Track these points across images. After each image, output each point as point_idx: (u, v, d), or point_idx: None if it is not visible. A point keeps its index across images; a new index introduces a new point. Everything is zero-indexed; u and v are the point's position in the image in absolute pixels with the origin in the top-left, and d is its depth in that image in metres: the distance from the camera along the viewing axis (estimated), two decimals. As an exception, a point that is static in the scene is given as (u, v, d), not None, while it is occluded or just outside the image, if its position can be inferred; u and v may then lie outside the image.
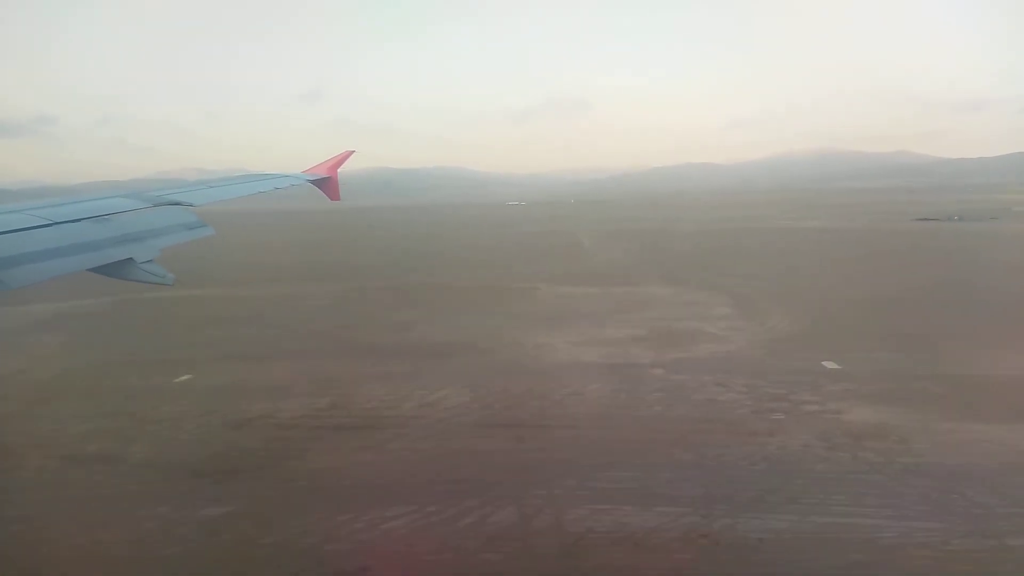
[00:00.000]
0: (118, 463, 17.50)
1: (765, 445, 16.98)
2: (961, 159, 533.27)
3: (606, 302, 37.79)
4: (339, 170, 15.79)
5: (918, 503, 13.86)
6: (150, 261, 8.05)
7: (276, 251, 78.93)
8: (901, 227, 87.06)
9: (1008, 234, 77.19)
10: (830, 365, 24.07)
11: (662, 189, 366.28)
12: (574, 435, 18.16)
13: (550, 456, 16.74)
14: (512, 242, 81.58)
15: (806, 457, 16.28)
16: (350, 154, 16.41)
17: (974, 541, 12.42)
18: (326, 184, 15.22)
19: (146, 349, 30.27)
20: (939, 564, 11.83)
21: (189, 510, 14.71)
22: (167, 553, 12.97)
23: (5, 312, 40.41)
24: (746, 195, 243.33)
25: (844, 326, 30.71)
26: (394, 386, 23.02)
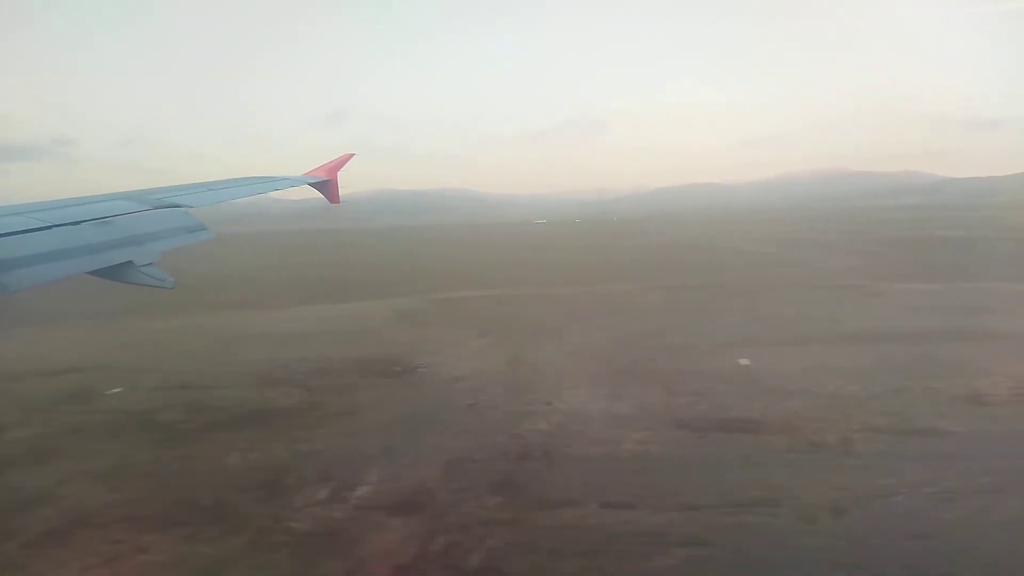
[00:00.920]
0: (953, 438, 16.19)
1: None
2: (971, 178, 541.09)
3: (986, 298, 36.46)
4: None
5: None
6: (150, 264, 8.03)
7: (496, 260, 76.51)
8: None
9: None
10: None
11: (680, 209, 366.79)
12: None
13: None
14: (687, 253, 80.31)
15: None
16: (350, 157, 16.28)
17: None
18: (326, 187, 15.11)
19: (604, 339, 28.99)
20: None
21: None
22: None
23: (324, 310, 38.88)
24: (778, 213, 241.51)
25: None
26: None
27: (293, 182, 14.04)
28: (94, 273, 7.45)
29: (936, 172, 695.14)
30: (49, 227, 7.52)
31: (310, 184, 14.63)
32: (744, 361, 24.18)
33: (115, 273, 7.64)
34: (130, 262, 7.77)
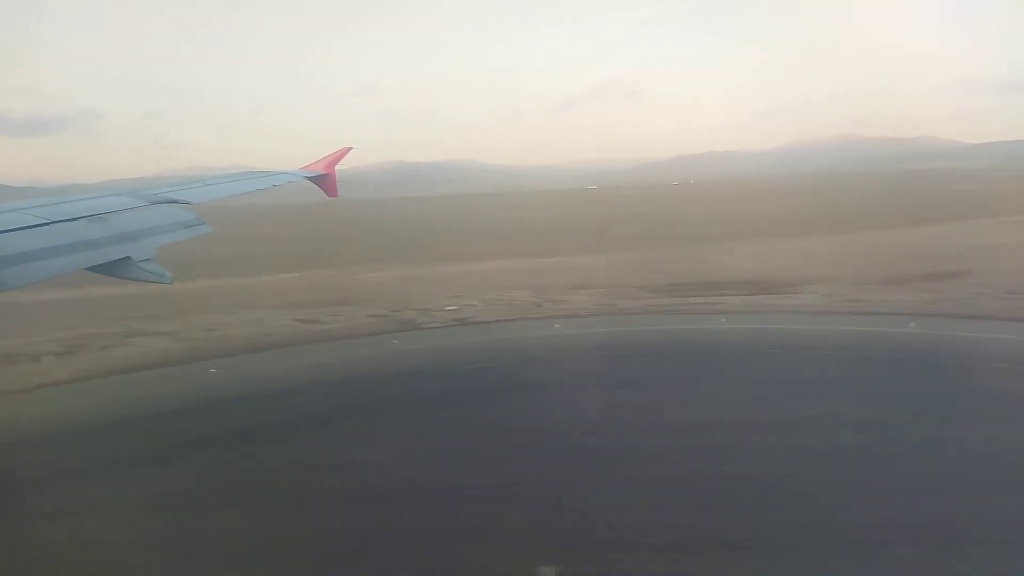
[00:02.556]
0: None
1: None
2: (995, 143, 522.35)
3: None
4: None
5: None
6: (148, 260, 8.04)
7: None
8: None
9: None
10: None
11: (721, 175, 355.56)
12: None
13: None
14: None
15: None
16: (348, 151, 16.19)
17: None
18: (324, 181, 14.97)
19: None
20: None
21: None
22: None
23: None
24: (824, 180, 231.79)
25: None
26: None
27: (291, 177, 14.05)
28: (92, 269, 7.48)
29: (957, 137, 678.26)
30: (47, 223, 7.53)
31: (308, 178, 14.55)
32: None
33: (113, 269, 7.67)
34: (128, 258, 7.79)
